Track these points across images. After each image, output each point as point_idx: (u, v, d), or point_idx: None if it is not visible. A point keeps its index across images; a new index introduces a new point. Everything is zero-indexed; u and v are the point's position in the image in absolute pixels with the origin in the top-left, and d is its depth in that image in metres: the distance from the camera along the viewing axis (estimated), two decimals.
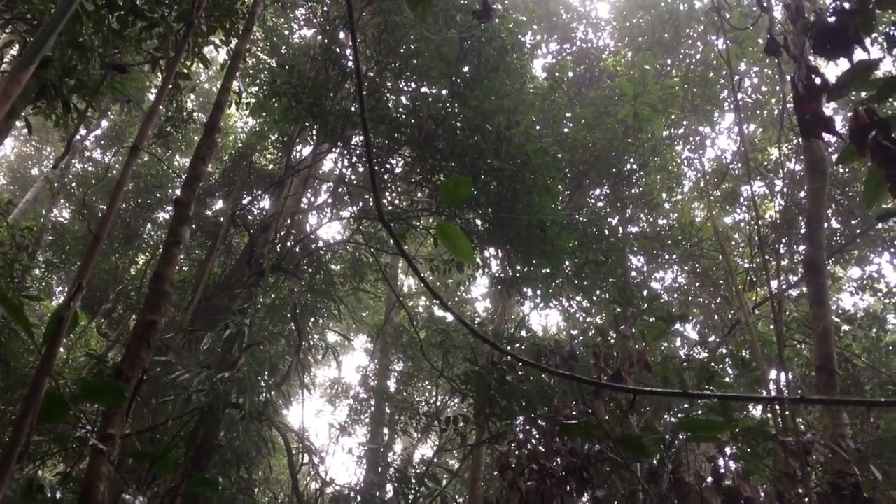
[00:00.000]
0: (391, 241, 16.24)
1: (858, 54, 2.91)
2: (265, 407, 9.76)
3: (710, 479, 6.08)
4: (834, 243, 15.59)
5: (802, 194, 13.96)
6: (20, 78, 3.48)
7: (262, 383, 10.26)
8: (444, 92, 12.24)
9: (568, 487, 6.66)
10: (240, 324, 9.83)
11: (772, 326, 13.30)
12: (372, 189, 2.36)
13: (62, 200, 21.21)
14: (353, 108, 12.02)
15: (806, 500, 6.01)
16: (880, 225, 15.91)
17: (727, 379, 10.69)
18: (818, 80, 3.09)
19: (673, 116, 17.13)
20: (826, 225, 13.16)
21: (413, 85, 12.81)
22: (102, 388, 2.88)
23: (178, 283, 14.96)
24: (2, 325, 10.06)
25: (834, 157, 12.56)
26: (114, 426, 3.37)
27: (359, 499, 12.42)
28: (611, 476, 6.75)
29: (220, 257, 15.47)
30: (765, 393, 10.26)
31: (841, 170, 15.71)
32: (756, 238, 10.16)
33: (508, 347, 9.64)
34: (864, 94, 3.01)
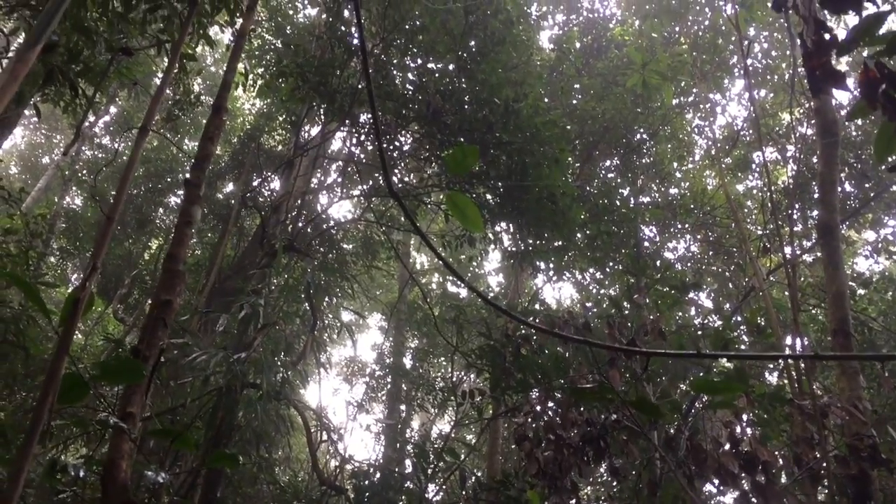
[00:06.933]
0: (402, 219, 16.24)
1: (868, 9, 2.87)
2: (282, 386, 9.82)
3: (727, 445, 6.10)
4: (848, 207, 15.48)
5: (815, 159, 13.84)
6: (27, 58, 3.47)
7: (279, 363, 10.31)
8: (451, 67, 12.15)
9: (585, 457, 6.70)
10: (254, 304, 9.87)
11: (786, 292, 13.26)
12: (381, 163, 2.36)
13: (74, 188, 21.32)
14: (360, 86, 11.97)
15: (824, 463, 6.01)
16: (894, 187, 15.77)
17: (742, 347, 10.69)
18: (827, 36, 3.05)
19: (682, 84, 16.97)
20: (839, 188, 13.05)
21: (419, 60, 12.72)
22: (121, 367, 2.91)
23: (191, 266, 15.05)
24: (20, 313, 10.16)
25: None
26: (133, 404, 3.42)
27: (378, 475, 12.50)
28: (627, 444, 6.77)
29: (233, 239, 15.54)
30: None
31: (853, 132, 15.56)
32: (769, 204, 10.08)
33: None
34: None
